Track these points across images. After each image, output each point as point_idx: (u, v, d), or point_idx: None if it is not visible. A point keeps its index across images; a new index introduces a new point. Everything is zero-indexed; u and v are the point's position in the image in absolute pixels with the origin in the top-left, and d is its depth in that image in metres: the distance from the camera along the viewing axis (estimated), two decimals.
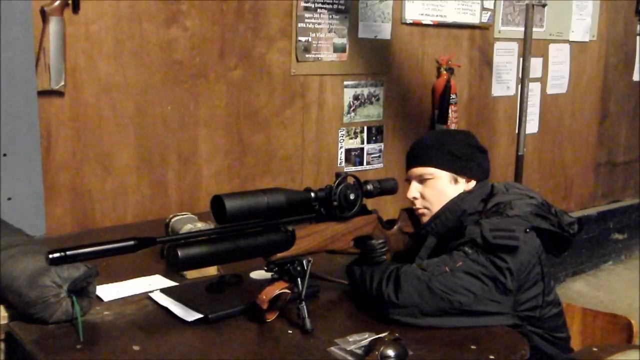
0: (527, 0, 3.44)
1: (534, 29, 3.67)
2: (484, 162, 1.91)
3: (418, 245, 1.88)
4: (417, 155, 1.90)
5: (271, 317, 1.62)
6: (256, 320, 1.61)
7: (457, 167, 1.86)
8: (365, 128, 3.43)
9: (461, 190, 1.86)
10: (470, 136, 1.95)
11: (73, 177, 2.55)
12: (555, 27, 4.26)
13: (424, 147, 1.90)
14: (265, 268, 1.60)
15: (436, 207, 1.85)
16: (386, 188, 1.79)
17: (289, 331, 1.58)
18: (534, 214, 1.76)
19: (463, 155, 1.86)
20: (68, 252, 1.33)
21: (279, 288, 1.58)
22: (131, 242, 1.39)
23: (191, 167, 2.85)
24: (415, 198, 1.88)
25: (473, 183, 1.88)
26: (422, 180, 1.88)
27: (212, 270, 1.93)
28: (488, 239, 1.64)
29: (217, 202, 1.45)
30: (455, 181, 1.86)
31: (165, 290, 1.80)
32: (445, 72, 3.61)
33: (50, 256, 1.31)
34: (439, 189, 1.85)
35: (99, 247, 1.37)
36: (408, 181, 1.91)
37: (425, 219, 1.88)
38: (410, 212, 1.92)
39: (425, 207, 1.87)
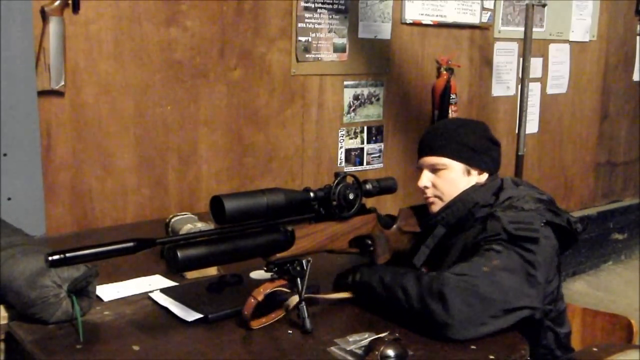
0: (527, 0, 3.44)
1: (534, 29, 3.67)
2: (497, 155, 1.88)
3: (425, 235, 1.85)
4: (431, 145, 1.85)
5: (256, 324, 1.58)
6: (243, 326, 1.57)
7: (471, 159, 1.82)
8: (365, 128, 3.43)
9: (473, 182, 1.83)
10: (485, 128, 1.91)
11: (73, 177, 2.55)
12: (555, 27, 4.26)
13: (439, 137, 1.85)
14: (265, 268, 1.60)
15: (447, 198, 1.82)
16: (385, 187, 1.78)
17: (289, 331, 1.58)
18: (547, 209, 1.74)
19: (478, 148, 1.83)
20: (67, 254, 1.32)
21: (277, 285, 1.57)
22: (131, 244, 1.38)
23: (191, 167, 2.85)
24: (426, 187, 1.85)
25: (485, 176, 1.84)
26: (434, 169, 1.84)
27: (212, 270, 1.93)
28: (510, 232, 1.62)
29: (216, 202, 1.45)
30: (468, 173, 1.83)
31: (165, 290, 1.80)
32: (445, 72, 3.61)
33: (50, 258, 1.30)
34: (451, 180, 1.82)
35: (98, 249, 1.36)
36: (419, 169, 1.87)
37: (435, 208, 1.85)
38: (410, 212, 1.92)
39: (436, 196, 1.84)
